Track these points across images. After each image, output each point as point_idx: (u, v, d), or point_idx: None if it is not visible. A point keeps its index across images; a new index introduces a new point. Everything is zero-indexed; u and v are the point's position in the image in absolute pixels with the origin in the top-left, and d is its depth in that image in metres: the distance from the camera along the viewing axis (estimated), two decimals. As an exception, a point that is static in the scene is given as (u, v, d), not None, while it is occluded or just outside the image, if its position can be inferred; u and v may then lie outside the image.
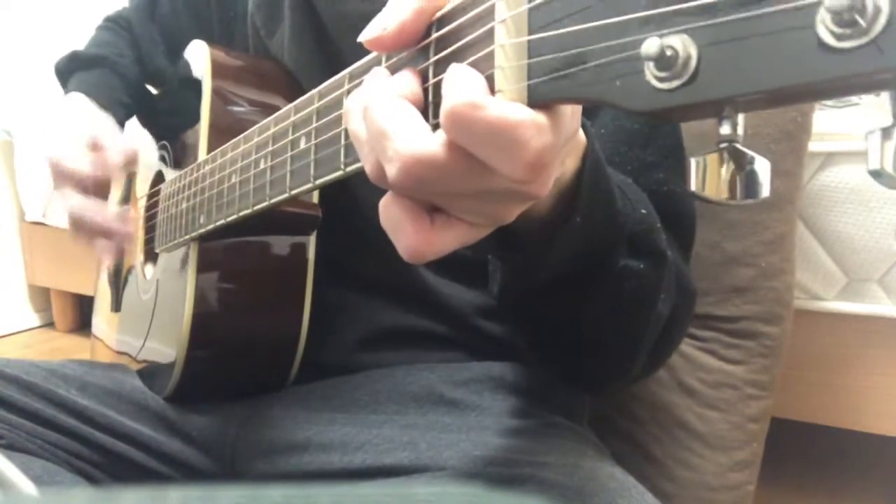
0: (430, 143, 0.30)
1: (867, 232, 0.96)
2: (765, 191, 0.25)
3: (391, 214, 0.33)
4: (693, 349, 0.82)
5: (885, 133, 0.22)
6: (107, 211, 0.68)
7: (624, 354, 0.53)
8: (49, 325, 2.22)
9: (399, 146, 0.31)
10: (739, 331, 0.82)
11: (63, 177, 0.69)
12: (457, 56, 0.32)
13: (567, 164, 0.40)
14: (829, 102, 1.12)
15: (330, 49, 0.68)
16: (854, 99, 1.15)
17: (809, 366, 1.05)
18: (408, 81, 0.33)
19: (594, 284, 0.46)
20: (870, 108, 1.10)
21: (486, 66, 0.30)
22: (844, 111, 1.11)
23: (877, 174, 0.22)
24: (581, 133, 0.40)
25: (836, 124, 0.98)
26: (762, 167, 0.25)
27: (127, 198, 0.91)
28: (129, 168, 0.72)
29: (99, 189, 0.69)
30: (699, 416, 0.81)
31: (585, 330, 0.50)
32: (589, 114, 0.55)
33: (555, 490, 0.42)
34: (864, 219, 0.96)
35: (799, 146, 0.81)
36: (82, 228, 0.69)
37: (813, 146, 0.88)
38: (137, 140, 0.87)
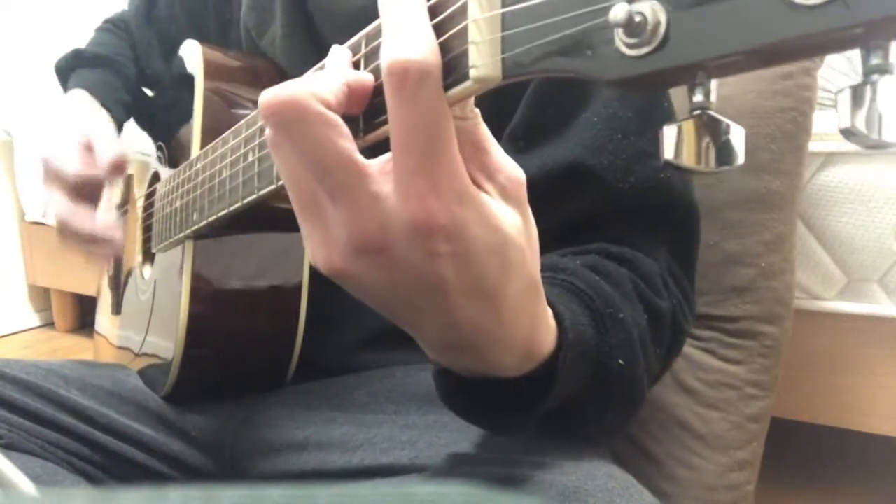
0: (297, 87, 0.31)
1: (867, 232, 0.96)
2: (739, 158, 0.25)
3: None
4: (693, 349, 0.82)
5: (856, 91, 0.22)
6: (93, 218, 0.67)
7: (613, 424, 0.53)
8: (49, 325, 2.22)
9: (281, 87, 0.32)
10: (739, 331, 0.82)
11: (52, 176, 0.68)
12: None
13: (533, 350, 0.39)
14: (828, 102, 1.11)
15: (321, 47, 0.68)
16: (854, 99, 1.15)
17: (809, 366, 1.05)
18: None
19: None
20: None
21: (459, 43, 0.30)
22: (844, 111, 1.11)
23: (848, 132, 0.22)
24: (552, 321, 0.40)
25: (836, 124, 0.98)
26: (737, 134, 0.25)
27: (126, 200, 0.91)
28: (120, 173, 0.70)
29: (89, 191, 0.68)
30: (699, 416, 0.81)
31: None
32: (582, 102, 0.55)
33: (554, 489, 0.42)
34: (864, 219, 0.96)
35: (799, 146, 0.81)
36: (68, 234, 0.68)
37: (813, 146, 0.88)
38: (131, 143, 0.88)
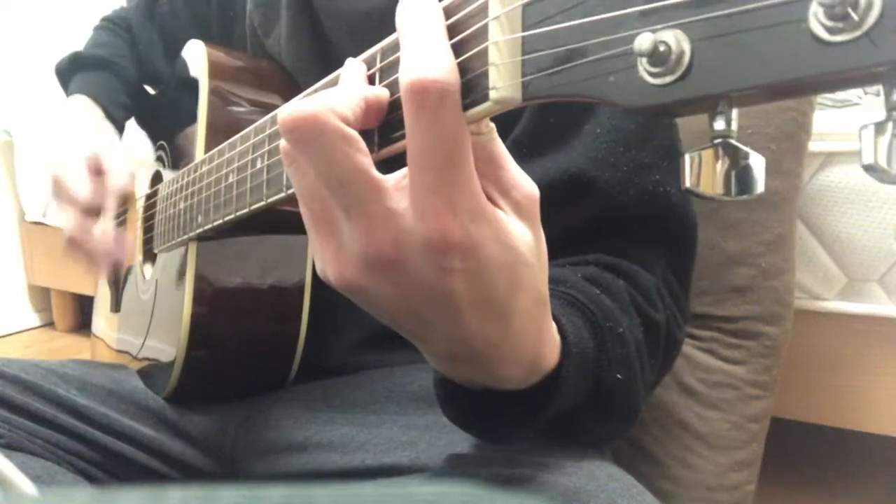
0: (309, 105, 0.31)
1: (867, 232, 0.96)
2: (759, 186, 0.25)
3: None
4: (693, 349, 0.82)
5: (879, 127, 0.22)
6: (100, 234, 0.70)
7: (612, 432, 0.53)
8: (49, 325, 2.22)
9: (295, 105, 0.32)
10: (739, 331, 0.82)
11: (63, 195, 0.71)
12: None
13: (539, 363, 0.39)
14: (828, 102, 1.12)
15: (327, 47, 0.68)
16: (854, 98, 1.15)
17: (809, 366, 1.05)
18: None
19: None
20: (871, 108, 1.10)
21: (479, 64, 0.30)
22: (844, 111, 1.11)
23: (870, 168, 0.22)
24: (557, 335, 0.40)
25: (836, 124, 0.98)
26: (757, 162, 0.25)
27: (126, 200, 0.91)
28: (127, 191, 0.74)
29: (97, 210, 0.71)
30: (699, 416, 0.81)
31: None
32: (586, 113, 0.55)
33: (555, 490, 0.42)
34: (864, 219, 0.96)
35: (799, 146, 0.81)
36: (76, 248, 0.71)
37: (813, 146, 0.88)
38: (134, 149, 0.88)
